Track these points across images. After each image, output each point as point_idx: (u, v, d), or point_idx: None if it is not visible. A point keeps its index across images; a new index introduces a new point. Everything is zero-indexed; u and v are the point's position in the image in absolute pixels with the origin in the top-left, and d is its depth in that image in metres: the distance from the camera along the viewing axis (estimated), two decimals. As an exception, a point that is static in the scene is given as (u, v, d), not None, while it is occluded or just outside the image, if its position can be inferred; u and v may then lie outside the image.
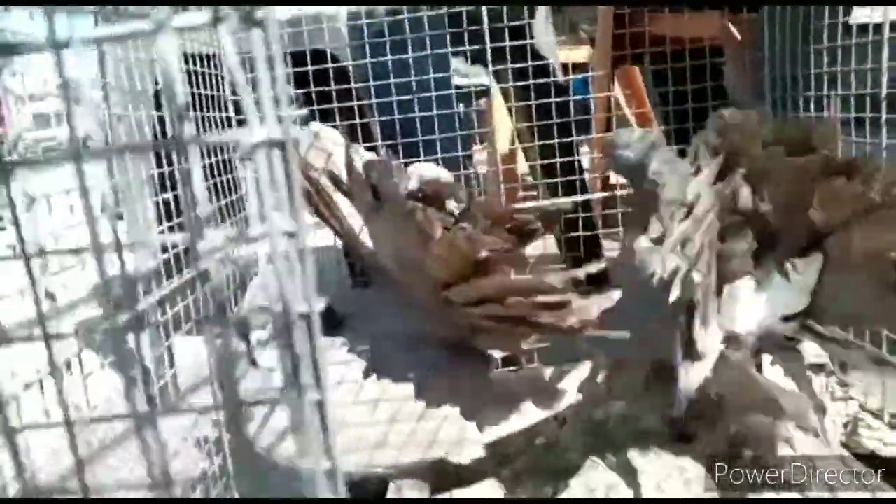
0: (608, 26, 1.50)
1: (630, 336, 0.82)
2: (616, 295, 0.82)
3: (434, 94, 1.27)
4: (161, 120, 1.01)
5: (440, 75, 1.29)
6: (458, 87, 1.67)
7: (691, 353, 0.76)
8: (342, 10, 1.36)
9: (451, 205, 0.91)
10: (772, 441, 0.76)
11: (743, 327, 0.82)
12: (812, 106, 1.12)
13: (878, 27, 0.95)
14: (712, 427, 0.79)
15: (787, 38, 1.15)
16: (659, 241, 0.84)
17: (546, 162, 1.39)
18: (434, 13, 1.25)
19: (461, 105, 1.78)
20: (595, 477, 0.96)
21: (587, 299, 0.82)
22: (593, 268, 0.84)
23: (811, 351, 1.10)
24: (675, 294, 0.76)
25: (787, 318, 0.85)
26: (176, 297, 0.94)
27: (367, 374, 0.87)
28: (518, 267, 0.84)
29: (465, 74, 1.77)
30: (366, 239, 0.98)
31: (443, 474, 0.97)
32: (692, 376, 0.77)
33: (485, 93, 1.44)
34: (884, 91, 0.93)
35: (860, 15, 1.01)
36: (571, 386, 0.98)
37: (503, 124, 1.81)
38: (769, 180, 0.81)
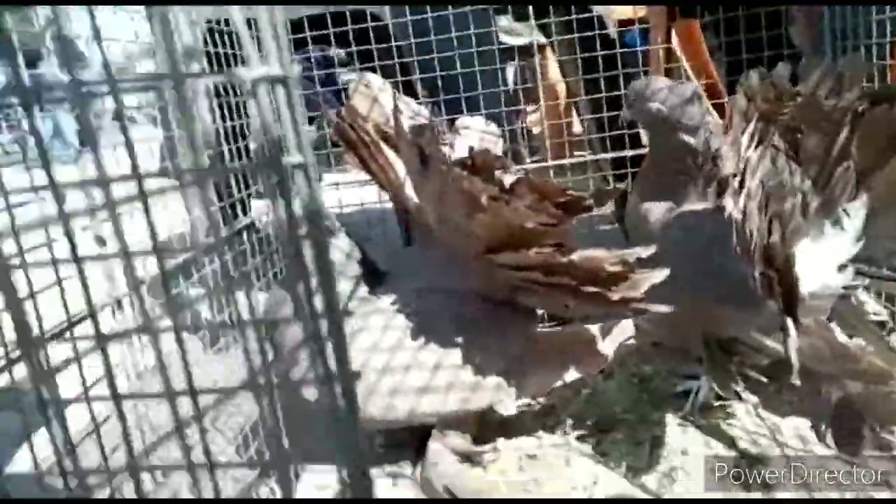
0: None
1: (674, 309, 0.81)
2: (665, 272, 0.80)
3: (475, 49, 1.25)
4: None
5: (482, 30, 1.27)
6: (503, 45, 1.64)
7: (793, 314, 0.72)
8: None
9: (500, 175, 0.91)
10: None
11: (806, 288, 0.78)
12: (874, 53, 1.06)
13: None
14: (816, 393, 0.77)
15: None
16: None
17: (595, 116, 1.36)
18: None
19: (509, 62, 1.75)
20: (638, 434, 0.96)
21: (637, 274, 0.81)
22: (644, 252, 0.82)
23: (868, 309, 1.07)
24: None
25: (840, 268, 0.83)
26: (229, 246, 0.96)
27: (414, 336, 0.87)
28: (562, 240, 0.83)
29: (511, 32, 1.74)
30: (412, 193, 0.98)
31: (487, 424, 0.99)
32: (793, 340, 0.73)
33: (529, 50, 1.40)
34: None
35: None
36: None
37: (559, 80, 1.77)
38: (807, 132, 0.79)
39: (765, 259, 0.75)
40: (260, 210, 1.14)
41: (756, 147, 0.81)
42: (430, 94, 1.30)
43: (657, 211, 0.97)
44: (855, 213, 0.80)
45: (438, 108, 1.30)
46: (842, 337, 0.80)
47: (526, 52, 1.58)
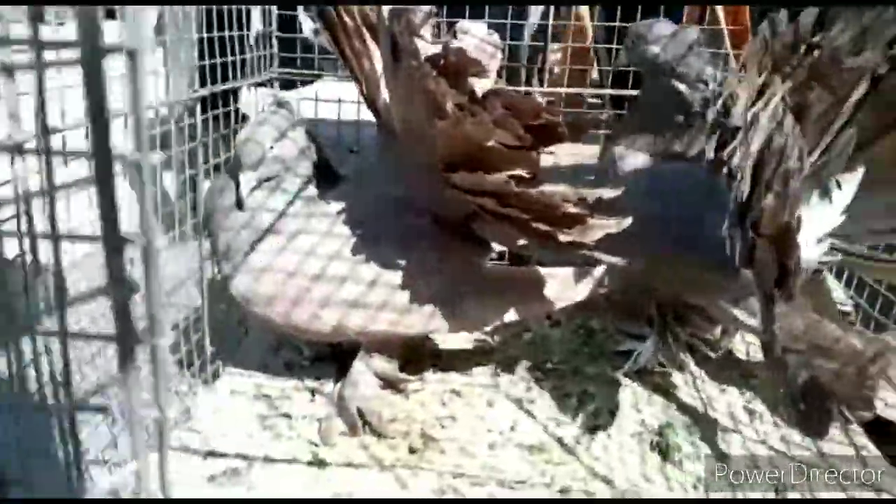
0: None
1: (628, 263, 0.76)
2: (627, 222, 0.74)
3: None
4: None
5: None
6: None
7: (788, 287, 0.66)
8: None
9: (475, 83, 0.82)
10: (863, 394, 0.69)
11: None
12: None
13: None
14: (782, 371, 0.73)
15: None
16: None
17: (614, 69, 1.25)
18: None
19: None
20: (568, 386, 0.93)
21: (597, 220, 0.75)
22: (609, 193, 0.76)
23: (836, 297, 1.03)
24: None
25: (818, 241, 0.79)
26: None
27: (355, 248, 0.82)
28: (526, 167, 0.76)
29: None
30: (384, 90, 0.90)
31: (418, 352, 0.96)
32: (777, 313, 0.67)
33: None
34: None
35: None
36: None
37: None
38: (817, 89, 0.72)
39: (752, 224, 0.69)
40: (248, 100, 1.06)
41: (766, 100, 0.74)
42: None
43: (632, 160, 0.91)
44: (847, 185, 0.74)
45: (441, 7, 1.19)
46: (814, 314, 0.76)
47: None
